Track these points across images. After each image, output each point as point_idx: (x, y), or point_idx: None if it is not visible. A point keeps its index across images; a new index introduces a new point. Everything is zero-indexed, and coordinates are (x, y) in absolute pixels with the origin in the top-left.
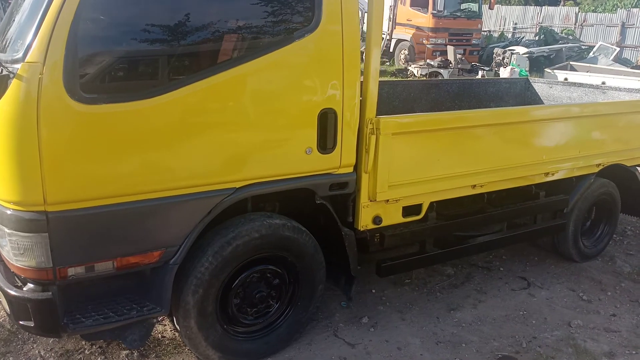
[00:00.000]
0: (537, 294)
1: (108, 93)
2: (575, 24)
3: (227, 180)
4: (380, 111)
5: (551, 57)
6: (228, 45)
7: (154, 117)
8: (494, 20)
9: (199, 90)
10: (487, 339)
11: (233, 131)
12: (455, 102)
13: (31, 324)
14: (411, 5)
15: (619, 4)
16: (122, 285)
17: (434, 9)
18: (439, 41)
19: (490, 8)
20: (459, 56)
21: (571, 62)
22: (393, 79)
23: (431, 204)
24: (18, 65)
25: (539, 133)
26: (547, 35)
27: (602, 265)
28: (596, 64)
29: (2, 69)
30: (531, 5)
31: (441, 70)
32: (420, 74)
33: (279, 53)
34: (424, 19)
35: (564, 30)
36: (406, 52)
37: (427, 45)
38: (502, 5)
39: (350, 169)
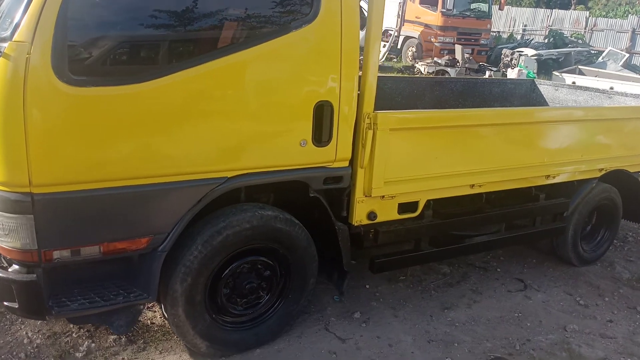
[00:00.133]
0: (534, 296)
1: (97, 76)
2: (585, 28)
3: (218, 170)
4: (382, 107)
5: (560, 60)
6: (222, 32)
7: (143, 103)
8: (503, 21)
9: (191, 77)
10: (480, 340)
11: (225, 120)
12: (459, 101)
13: (15, 305)
14: (420, 3)
15: (630, 10)
16: (109, 270)
17: (443, 7)
18: (447, 40)
19: (500, 9)
20: (467, 55)
21: (580, 66)
22: (400, 75)
23: (428, 201)
24: (5, 44)
25: (541, 135)
26: (556, 39)
27: (601, 270)
28: (605, 69)
29: None
30: (542, 8)
31: (448, 69)
32: (427, 72)
33: (275, 42)
34: (433, 17)
35: (573, 34)
36: (414, 49)
37: (435, 44)
38: (512, 6)
39: (346, 163)
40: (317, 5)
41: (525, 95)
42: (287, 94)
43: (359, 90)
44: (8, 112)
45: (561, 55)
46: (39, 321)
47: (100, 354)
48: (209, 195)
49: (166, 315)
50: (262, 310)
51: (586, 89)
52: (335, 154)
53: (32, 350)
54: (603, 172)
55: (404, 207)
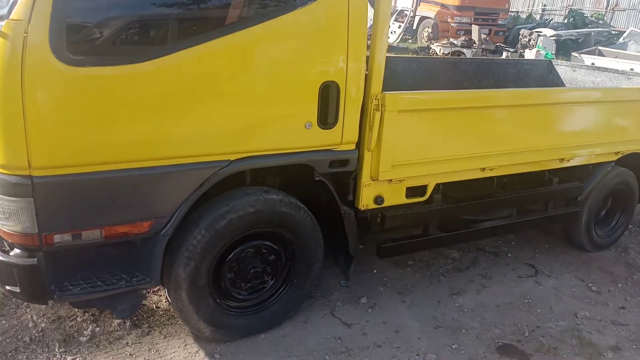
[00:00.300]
0: (545, 282)
1: (96, 55)
2: (606, 8)
3: (221, 152)
4: (393, 88)
5: (579, 41)
6: (223, 10)
7: (144, 83)
8: (522, 1)
9: (193, 57)
10: (489, 326)
11: (227, 101)
12: (473, 82)
13: (17, 289)
14: None
15: None
16: (112, 254)
17: None
18: (464, 20)
19: None
20: (483, 36)
21: (599, 47)
22: (414, 56)
23: (437, 185)
24: (2, 23)
25: (556, 117)
26: (576, 19)
27: (614, 256)
28: (625, 50)
29: None
30: None
31: (464, 50)
32: (443, 53)
33: (278, 20)
34: None
35: (594, 14)
36: (429, 30)
37: (452, 24)
38: None
39: (352, 146)
40: None
41: (542, 76)
42: (291, 74)
43: (366, 70)
44: (6, 92)
45: (581, 36)
46: (43, 305)
47: (105, 338)
48: (211, 179)
49: (170, 299)
50: (267, 295)
51: (604, 70)
52: (341, 137)
53: (36, 334)
54: (619, 156)
55: (412, 191)
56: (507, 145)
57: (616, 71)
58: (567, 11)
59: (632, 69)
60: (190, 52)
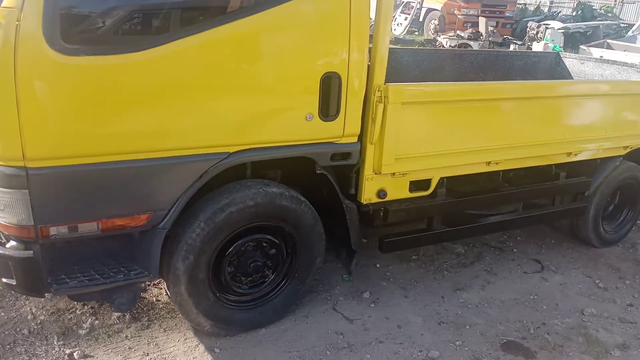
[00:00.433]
0: (551, 278)
1: (92, 44)
2: (615, 1)
3: (220, 145)
4: (398, 80)
5: (588, 33)
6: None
7: (140, 73)
8: None
9: (190, 46)
10: (493, 323)
11: (226, 92)
12: (480, 75)
13: (13, 282)
14: None
15: None
16: (110, 247)
17: None
18: (471, 12)
19: None
20: (490, 28)
21: (608, 40)
22: (420, 48)
23: (441, 179)
24: None
25: (564, 110)
26: (584, 11)
27: (622, 252)
28: (635, 43)
29: None
30: None
31: (471, 43)
32: (450, 46)
33: (279, 9)
34: None
35: (603, 6)
36: (436, 22)
37: (459, 16)
38: None
39: (354, 139)
40: None
41: (550, 68)
42: (291, 64)
43: (369, 61)
44: None
45: (589, 29)
46: (42, 298)
47: (104, 331)
48: (210, 171)
49: (169, 293)
50: (268, 289)
51: (613, 62)
52: (343, 129)
53: (35, 327)
54: (628, 150)
55: (415, 185)
56: (513, 138)
57: (625, 64)
58: (575, 3)
59: None
60: (188, 41)
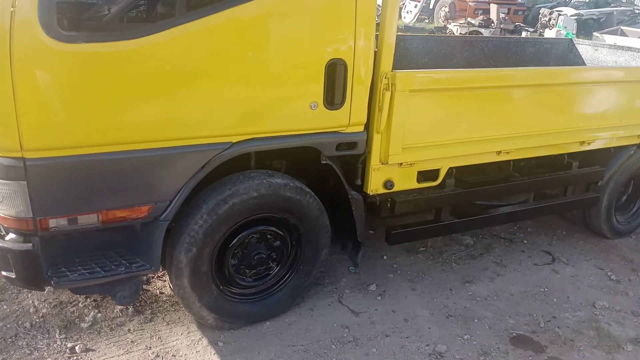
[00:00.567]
0: (562, 270)
1: (89, 31)
2: None
3: (222, 134)
4: (407, 67)
5: (601, 20)
6: None
7: (140, 61)
8: None
9: (190, 33)
10: (502, 316)
11: (228, 80)
12: (491, 62)
13: (12, 275)
14: None
15: None
16: (111, 239)
17: None
18: None
19: None
20: (502, 15)
21: (622, 27)
22: (429, 35)
23: (450, 169)
24: None
25: (577, 98)
26: None
27: (635, 243)
28: None
29: None
30: None
31: (482, 30)
32: (460, 33)
33: None
34: None
35: None
36: (447, 9)
37: (469, 3)
38: None
39: (361, 128)
40: None
41: (562, 55)
42: (294, 51)
43: (376, 47)
44: None
45: (603, 15)
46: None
47: (106, 324)
48: (213, 162)
49: (172, 286)
50: (272, 282)
51: (628, 49)
52: (349, 118)
53: (37, 320)
54: None
55: (423, 175)
56: (524, 127)
57: None
58: None
59: None
60: (187, 27)
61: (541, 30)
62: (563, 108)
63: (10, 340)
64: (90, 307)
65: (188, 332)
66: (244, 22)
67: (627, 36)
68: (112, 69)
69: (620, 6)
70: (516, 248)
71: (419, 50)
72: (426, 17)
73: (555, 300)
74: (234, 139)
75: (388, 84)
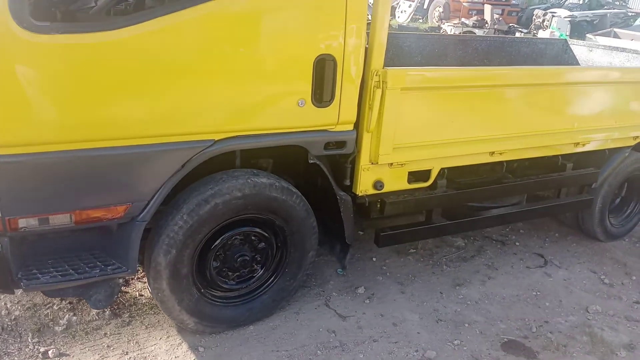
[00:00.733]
0: (554, 273)
1: (63, 21)
2: None
3: (204, 132)
4: (399, 65)
5: (594, 22)
6: None
7: (116, 53)
8: None
9: (171, 25)
10: (494, 320)
11: (209, 76)
12: (485, 61)
13: None
14: None
15: None
16: (86, 240)
17: None
18: None
19: None
20: (496, 16)
21: (615, 29)
22: (423, 33)
23: (442, 170)
24: None
25: (572, 98)
26: None
27: (628, 246)
28: None
29: None
30: None
31: (476, 30)
32: (454, 33)
33: None
34: None
35: None
36: (440, 9)
37: (464, 3)
38: None
39: (350, 127)
40: None
41: (557, 56)
42: (281, 45)
43: (367, 43)
44: None
45: (596, 17)
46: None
47: (81, 328)
48: (193, 160)
49: (150, 289)
50: (256, 284)
51: (623, 50)
52: (337, 116)
53: (9, 323)
54: (638, 140)
55: (414, 176)
56: (518, 128)
57: (635, 51)
58: None
59: None
60: (168, 19)
61: (535, 32)
62: (558, 109)
63: None
64: (65, 310)
65: (167, 337)
66: (228, 15)
67: (620, 38)
68: (87, 61)
69: (614, 8)
70: (508, 250)
71: (412, 49)
72: (420, 17)
73: (547, 304)
74: (216, 137)
75: (379, 81)
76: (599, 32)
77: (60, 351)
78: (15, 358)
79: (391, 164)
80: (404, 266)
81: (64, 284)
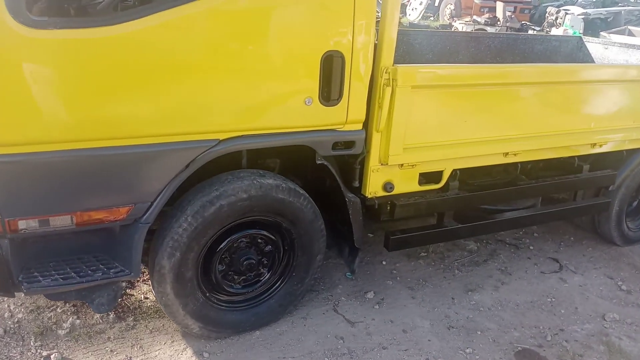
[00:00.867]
0: (570, 279)
1: (61, 16)
2: None
3: (208, 131)
4: (409, 63)
5: (608, 20)
6: None
7: (117, 49)
8: None
9: (174, 20)
10: (507, 328)
11: (215, 73)
12: (497, 59)
13: None
14: None
15: None
16: (89, 242)
17: None
18: None
19: None
20: (508, 14)
21: (630, 27)
22: (434, 30)
23: (454, 171)
24: None
25: (588, 97)
26: None
27: None
28: None
29: None
30: None
31: (488, 28)
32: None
33: None
34: None
35: None
36: (452, 7)
37: (475, 1)
38: None
39: (359, 126)
40: None
41: (571, 53)
42: (287, 41)
43: (376, 39)
44: None
45: (610, 15)
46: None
47: (85, 331)
48: (198, 160)
49: (154, 293)
50: (263, 289)
51: (639, 48)
52: (346, 115)
53: (12, 326)
54: None
55: (425, 177)
56: (533, 128)
57: None
58: None
59: None
60: (170, 14)
61: (548, 29)
62: (574, 108)
63: None
64: (69, 313)
65: (172, 342)
66: (232, 10)
67: (634, 36)
68: (86, 58)
69: (628, 5)
70: (522, 254)
71: (423, 46)
72: (431, 15)
73: (563, 311)
74: (221, 136)
75: (389, 79)
76: (613, 29)
77: (63, 355)
78: None
79: (401, 165)
80: (414, 270)
81: (64, 288)
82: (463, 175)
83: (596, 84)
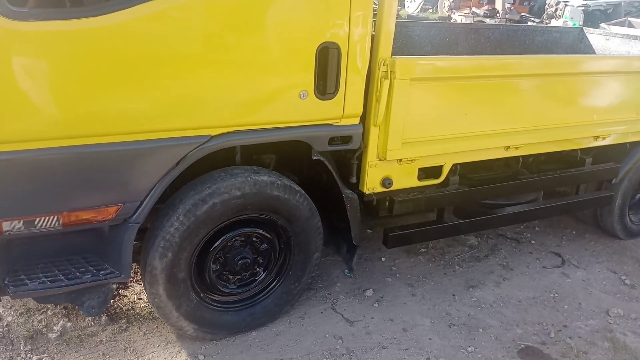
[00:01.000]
0: (572, 273)
1: (43, 7)
2: None
3: (199, 127)
4: (407, 55)
5: (608, 11)
6: None
7: (103, 42)
8: None
9: (162, 10)
10: (509, 325)
11: (206, 66)
12: (497, 51)
13: None
14: None
15: None
16: (77, 243)
17: None
18: None
19: None
20: (507, 5)
21: (630, 18)
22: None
23: (454, 166)
24: None
25: (591, 89)
26: None
27: None
28: None
29: None
30: None
31: (487, 20)
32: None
33: None
34: None
35: None
36: None
37: None
38: None
39: (356, 120)
40: None
41: (572, 45)
42: (281, 32)
43: (373, 30)
44: None
45: (610, 6)
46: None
47: (76, 334)
48: (189, 157)
49: (147, 294)
50: (259, 288)
51: None
52: (342, 109)
53: (0, 330)
54: None
55: (425, 173)
56: (535, 120)
57: None
58: None
59: None
60: (158, 4)
61: (547, 21)
62: (576, 100)
63: None
64: (59, 316)
65: (166, 344)
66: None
67: (634, 27)
68: (69, 51)
69: None
70: (523, 249)
71: (422, 38)
72: (430, 7)
73: (566, 307)
74: (213, 132)
75: (387, 71)
76: (614, 21)
77: (54, 359)
78: None
79: (400, 159)
80: (414, 267)
81: (52, 291)
82: (463, 170)
83: (598, 76)
